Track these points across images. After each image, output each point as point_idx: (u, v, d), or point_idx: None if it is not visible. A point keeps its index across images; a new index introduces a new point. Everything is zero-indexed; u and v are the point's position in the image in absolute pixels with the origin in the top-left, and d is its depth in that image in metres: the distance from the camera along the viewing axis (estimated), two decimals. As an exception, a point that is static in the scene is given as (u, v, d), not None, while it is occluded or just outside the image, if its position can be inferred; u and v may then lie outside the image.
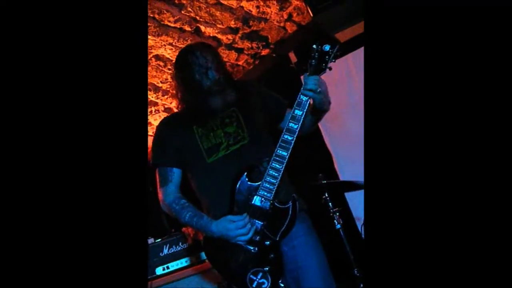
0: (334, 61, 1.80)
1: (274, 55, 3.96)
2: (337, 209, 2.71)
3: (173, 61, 3.53)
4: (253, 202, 1.66)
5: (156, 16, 3.19)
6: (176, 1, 3.12)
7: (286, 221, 1.66)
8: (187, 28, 3.35)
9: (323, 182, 2.70)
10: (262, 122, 1.86)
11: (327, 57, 1.75)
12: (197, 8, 3.20)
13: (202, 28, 3.45)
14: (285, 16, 3.67)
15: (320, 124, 3.68)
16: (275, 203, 1.66)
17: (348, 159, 3.51)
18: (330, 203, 2.71)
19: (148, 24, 3.23)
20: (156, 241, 3.36)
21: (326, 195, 2.75)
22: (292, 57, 3.93)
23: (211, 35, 3.55)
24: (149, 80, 3.76)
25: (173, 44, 3.46)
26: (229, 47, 3.76)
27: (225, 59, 3.68)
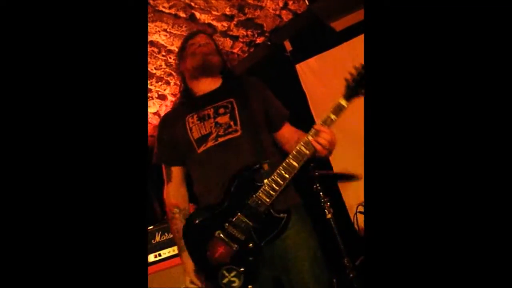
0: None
1: (269, 43, 3.96)
2: (327, 198, 2.72)
3: (167, 47, 3.58)
4: (248, 202, 1.63)
5: (151, 1, 3.13)
6: None
7: (275, 231, 1.64)
8: (182, 14, 3.32)
9: (315, 173, 2.71)
10: (261, 121, 1.84)
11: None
12: (193, -6, 3.18)
13: (197, 14, 3.41)
14: (281, 4, 3.65)
15: (313, 113, 3.74)
16: (271, 210, 1.64)
17: (341, 145, 3.53)
18: (321, 193, 2.72)
19: None
20: (149, 228, 3.38)
21: (318, 185, 2.77)
22: (287, 45, 3.94)
23: (206, 21, 3.51)
24: (143, 66, 3.74)
25: (168, 30, 3.42)
26: (224, 34, 3.73)
27: (220, 47, 3.68)
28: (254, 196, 1.62)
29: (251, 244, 1.63)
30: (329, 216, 2.68)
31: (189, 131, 1.81)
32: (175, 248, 3.18)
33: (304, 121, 3.73)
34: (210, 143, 1.76)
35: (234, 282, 1.62)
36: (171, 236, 3.35)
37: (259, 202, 1.61)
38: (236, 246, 1.63)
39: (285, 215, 1.65)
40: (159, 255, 3.12)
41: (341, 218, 2.79)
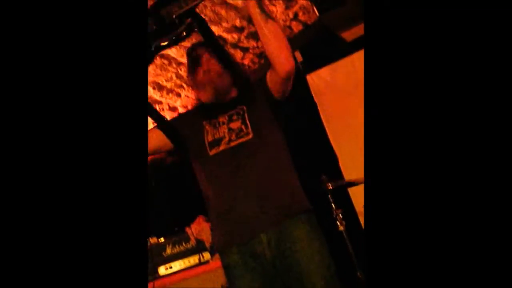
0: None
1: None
2: (340, 211, 2.70)
3: (178, 60, 3.62)
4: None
5: None
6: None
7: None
8: (193, 26, 3.35)
9: (328, 186, 2.68)
10: (267, 116, 1.85)
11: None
12: (202, 6, 3.20)
13: None
14: (291, 15, 3.68)
15: (325, 124, 3.76)
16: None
17: (352, 155, 3.54)
18: (333, 205, 2.71)
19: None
20: (160, 240, 3.38)
21: (330, 197, 2.75)
22: (298, 56, 3.96)
23: (216, 34, 3.55)
24: (154, 79, 3.78)
25: None
26: (235, 46, 3.78)
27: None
28: None
29: None
30: (341, 228, 2.66)
31: (204, 134, 1.84)
32: (187, 260, 3.18)
33: (316, 132, 3.79)
34: (222, 147, 1.78)
35: None
36: (183, 248, 3.38)
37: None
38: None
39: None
40: (170, 267, 3.11)
41: (351, 227, 2.77)
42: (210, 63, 1.90)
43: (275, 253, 1.66)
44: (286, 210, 1.70)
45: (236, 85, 1.94)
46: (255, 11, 1.70)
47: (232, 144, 1.77)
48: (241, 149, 1.76)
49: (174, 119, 2.06)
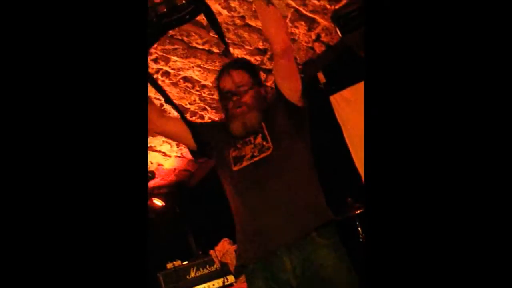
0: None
1: (302, 75, 3.98)
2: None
3: (201, 82, 3.68)
4: None
5: (185, 38, 3.28)
6: (204, 23, 3.18)
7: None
8: (215, 49, 3.41)
9: (355, 210, 2.64)
10: (287, 127, 1.87)
11: None
12: (225, 29, 3.26)
13: (231, 49, 3.50)
14: (313, 37, 3.71)
15: (348, 144, 3.74)
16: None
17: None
18: (359, 228, 2.66)
19: (176, 46, 3.33)
20: (183, 263, 3.46)
21: (357, 223, 2.71)
22: (321, 77, 3.94)
23: (239, 56, 3.60)
24: (178, 102, 3.84)
25: (201, 66, 3.54)
26: (258, 68, 3.78)
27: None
28: None
29: None
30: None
31: (229, 148, 1.89)
32: (211, 284, 3.18)
33: (339, 152, 3.77)
34: (245, 163, 1.81)
35: None
36: (207, 271, 3.38)
37: None
38: None
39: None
40: (195, 291, 3.12)
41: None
42: (244, 97, 1.91)
43: (300, 281, 1.65)
44: (309, 222, 1.69)
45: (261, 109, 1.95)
46: None
47: (255, 159, 1.80)
48: (263, 164, 1.78)
49: (201, 125, 2.12)
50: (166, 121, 1.99)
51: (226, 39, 3.31)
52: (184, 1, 1.67)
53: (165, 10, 1.67)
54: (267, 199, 1.74)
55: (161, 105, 3.21)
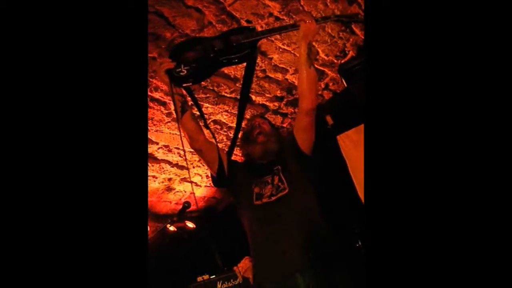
0: None
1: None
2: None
3: (228, 125, 3.91)
4: None
5: (215, 88, 3.45)
6: (232, 76, 3.37)
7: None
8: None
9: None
10: (298, 172, 1.97)
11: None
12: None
13: (253, 97, 3.73)
14: (323, 86, 3.94)
15: (353, 178, 3.86)
16: None
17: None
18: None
19: (208, 94, 3.47)
20: (211, 277, 3.59)
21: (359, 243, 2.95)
22: (329, 119, 4.17)
23: (260, 102, 3.83)
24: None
25: (229, 111, 3.72)
26: (276, 112, 4.02)
27: (272, 122, 3.82)
28: None
29: None
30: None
31: (251, 185, 1.99)
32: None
33: (344, 184, 3.98)
34: (265, 199, 1.91)
35: None
36: (231, 285, 3.49)
37: None
38: None
39: None
40: (222, 305, 3.20)
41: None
42: (263, 125, 2.11)
43: None
44: (318, 248, 1.75)
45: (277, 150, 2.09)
46: (303, 52, 1.89)
47: (273, 198, 1.90)
48: (280, 201, 1.88)
49: (232, 162, 2.15)
50: (204, 141, 2.01)
51: (250, 88, 3.53)
52: (241, 42, 1.71)
53: (222, 47, 1.71)
54: (282, 230, 1.80)
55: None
